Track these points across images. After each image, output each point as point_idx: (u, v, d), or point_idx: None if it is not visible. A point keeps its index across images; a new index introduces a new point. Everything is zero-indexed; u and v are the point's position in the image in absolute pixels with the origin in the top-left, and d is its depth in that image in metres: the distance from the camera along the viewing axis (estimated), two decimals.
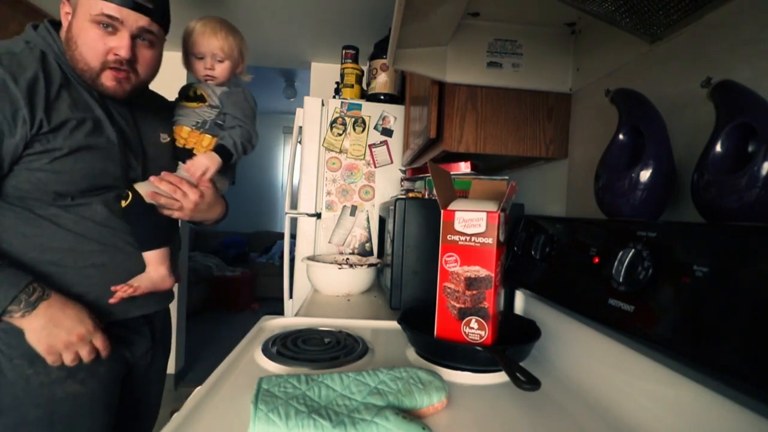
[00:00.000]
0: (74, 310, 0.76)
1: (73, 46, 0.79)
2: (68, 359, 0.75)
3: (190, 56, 1.02)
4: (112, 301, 0.83)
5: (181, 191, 0.91)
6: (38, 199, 0.77)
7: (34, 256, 0.78)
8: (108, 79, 0.81)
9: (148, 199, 0.88)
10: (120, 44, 0.79)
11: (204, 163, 0.95)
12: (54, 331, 0.73)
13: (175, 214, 0.93)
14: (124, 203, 0.86)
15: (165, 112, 1.03)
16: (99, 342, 0.78)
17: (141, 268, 0.89)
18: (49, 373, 0.77)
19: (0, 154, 0.73)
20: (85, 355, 0.76)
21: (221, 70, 1.01)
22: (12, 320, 0.72)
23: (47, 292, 0.74)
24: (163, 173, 0.91)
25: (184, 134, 1.00)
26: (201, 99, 1.02)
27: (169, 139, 1.00)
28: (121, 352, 0.88)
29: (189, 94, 1.05)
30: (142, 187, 0.88)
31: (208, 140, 1.00)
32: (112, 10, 0.77)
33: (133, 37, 0.81)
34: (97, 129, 0.82)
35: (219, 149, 0.97)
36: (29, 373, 0.76)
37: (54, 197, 0.78)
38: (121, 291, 0.84)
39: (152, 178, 0.89)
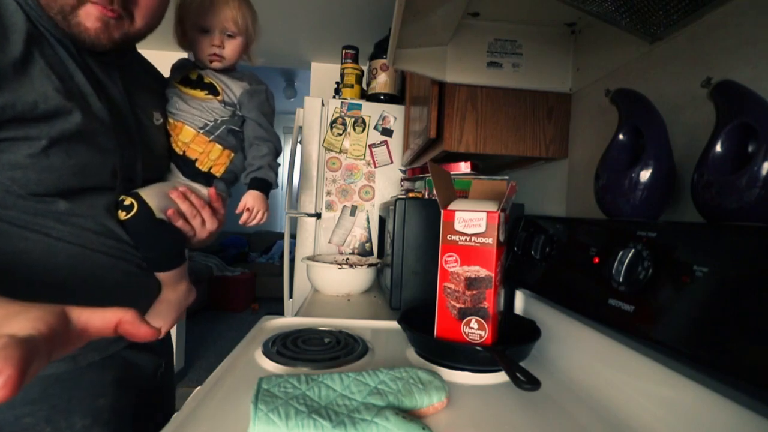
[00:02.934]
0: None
1: None
2: None
3: (190, 30, 0.78)
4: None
5: (200, 218, 0.72)
6: (8, 207, 0.55)
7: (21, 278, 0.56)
8: (89, 18, 0.56)
9: (160, 215, 0.67)
10: None
11: (257, 206, 0.78)
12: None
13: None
14: (123, 215, 0.64)
15: (157, 85, 0.80)
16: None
17: (157, 285, 0.73)
18: (72, 426, 0.61)
19: None
20: None
21: (232, 49, 0.78)
22: None
23: None
24: (182, 187, 0.71)
25: (186, 137, 0.76)
26: (211, 89, 0.78)
27: (162, 120, 0.77)
28: (131, 382, 0.71)
29: (191, 76, 0.80)
30: (153, 198, 0.66)
31: (217, 152, 0.78)
32: None
33: None
34: (80, 105, 0.58)
35: (262, 185, 0.79)
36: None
37: (34, 202, 0.56)
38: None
39: (173, 193, 0.70)
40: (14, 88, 0.51)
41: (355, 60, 1.90)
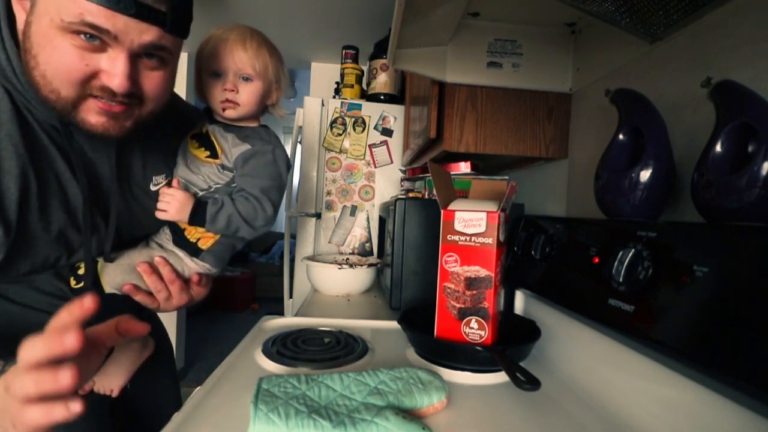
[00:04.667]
0: None
1: (31, 62, 0.48)
2: None
3: (204, 76, 0.69)
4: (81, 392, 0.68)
5: (166, 292, 0.66)
6: None
7: None
8: (91, 113, 0.51)
9: (111, 289, 0.64)
10: (112, 69, 0.48)
11: (173, 203, 0.67)
12: None
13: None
14: (74, 283, 0.63)
15: (176, 135, 0.72)
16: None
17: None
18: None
19: None
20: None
21: (248, 93, 0.68)
22: None
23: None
24: (158, 259, 0.65)
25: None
26: (212, 150, 0.69)
27: (163, 183, 0.69)
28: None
29: (202, 129, 0.72)
30: (111, 272, 0.64)
31: (202, 230, 0.69)
32: (99, 17, 0.45)
33: (134, 56, 0.50)
34: (56, 194, 0.54)
35: (200, 208, 0.67)
36: None
37: None
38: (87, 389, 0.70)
39: (140, 266, 0.64)
40: None
41: (355, 60, 1.90)
